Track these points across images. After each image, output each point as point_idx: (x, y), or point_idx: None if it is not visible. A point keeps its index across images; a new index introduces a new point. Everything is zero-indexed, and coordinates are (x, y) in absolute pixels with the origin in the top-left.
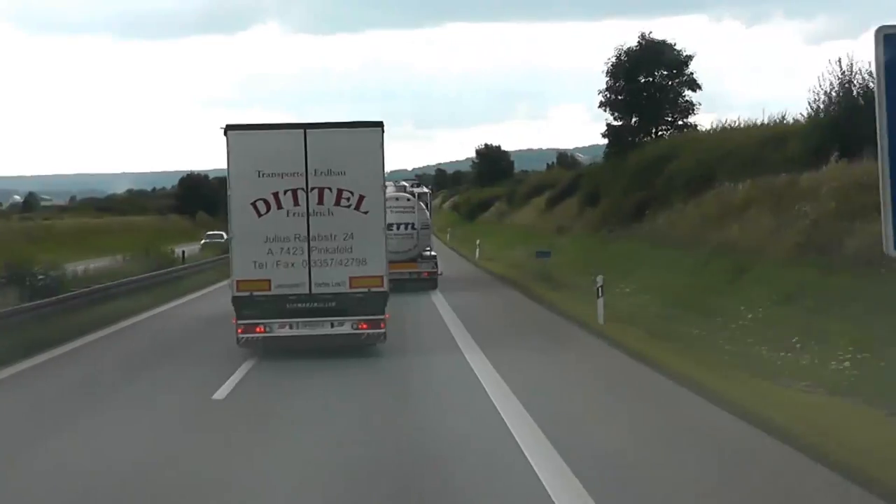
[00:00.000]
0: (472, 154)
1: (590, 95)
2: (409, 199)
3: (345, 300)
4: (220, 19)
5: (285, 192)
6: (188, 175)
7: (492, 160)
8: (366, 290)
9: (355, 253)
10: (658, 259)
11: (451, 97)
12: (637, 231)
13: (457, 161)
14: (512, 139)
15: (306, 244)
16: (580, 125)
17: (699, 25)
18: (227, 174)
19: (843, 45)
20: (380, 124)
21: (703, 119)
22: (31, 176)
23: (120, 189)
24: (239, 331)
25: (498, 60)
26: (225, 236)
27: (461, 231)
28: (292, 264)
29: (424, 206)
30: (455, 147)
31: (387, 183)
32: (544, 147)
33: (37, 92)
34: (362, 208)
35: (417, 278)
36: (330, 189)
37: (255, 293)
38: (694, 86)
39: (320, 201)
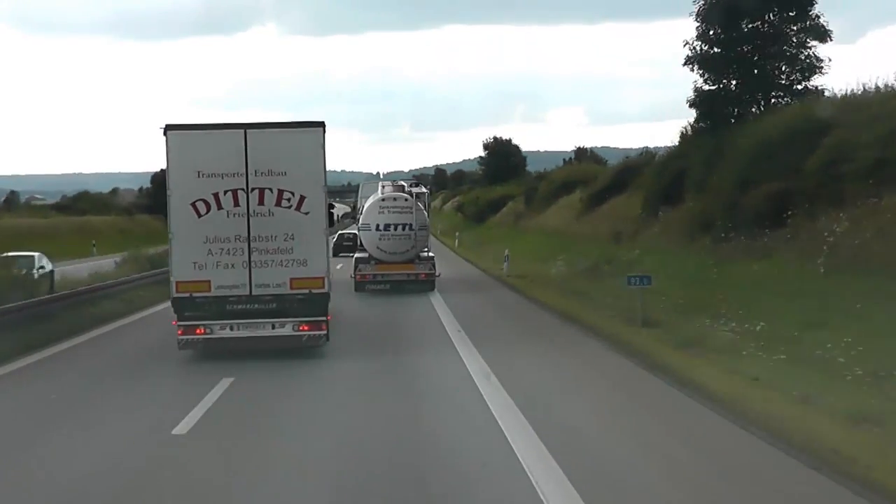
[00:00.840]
0: (470, 156)
1: (589, 98)
2: (406, 200)
3: (285, 301)
4: (217, 21)
5: (225, 192)
6: (163, 171)
7: (502, 155)
8: (307, 291)
9: (296, 254)
10: (850, 294)
11: (448, 99)
12: (775, 242)
13: (454, 163)
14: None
15: (247, 245)
16: (579, 128)
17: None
18: (166, 174)
19: None
20: (321, 124)
21: (835, 81)
22: (27, 175)
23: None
24: (179, 332)
25: (496, 63)
26: None
27: (471, 236)
28: (232, 265)
29: (423, 207)
30: (453, 150)
31: (384, 183)
32: (542, 150)
33: (34, 92)
34: (303, 209)
35: (415, 280)
36: (270, 190)
37: (195, 294)
38: (822, 34)
39: (261, 202)
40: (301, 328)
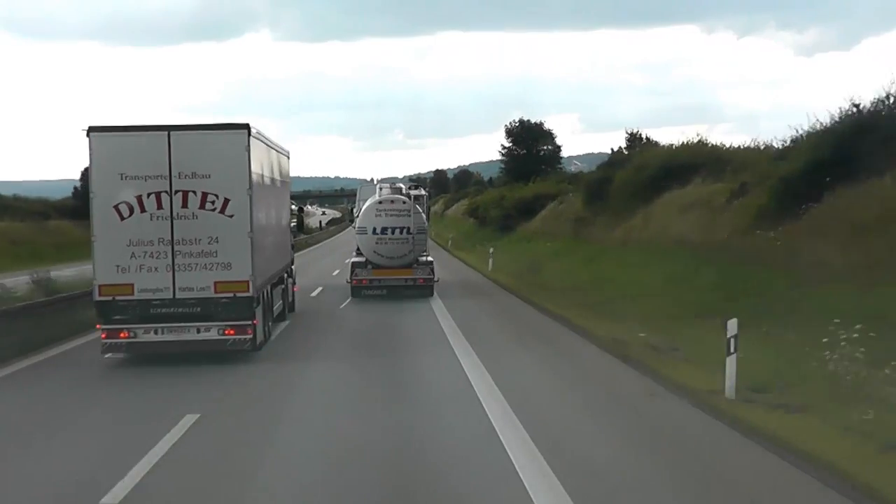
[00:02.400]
0: (465, 163)
1: (583, 104)
2: (404, 202)
3: (210, 305)
4: (211, 26)
5: (148, 195)
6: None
7: (530, 138)
8: (231, 294)
9: (220, 257)
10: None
11: (442, 106)
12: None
13: (448, 170)
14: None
15: (170, 248)
16: (574, 135)
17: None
18: (89, 177)
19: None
20: (245, 126)
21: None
22: (15, 181)
23: None
24: (103, 336)
25: (491, 69)
26: None
27: (506, 252)
28: (156, 268)
29: (421, 210)
30: (446, 157)
31: (381, 185)
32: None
33: (20, 96)
34: (227, 212)
35: (413, 285)
36: (194, 192)
37: (118, 298)
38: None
39: (184, 205)
40: (226, 332)
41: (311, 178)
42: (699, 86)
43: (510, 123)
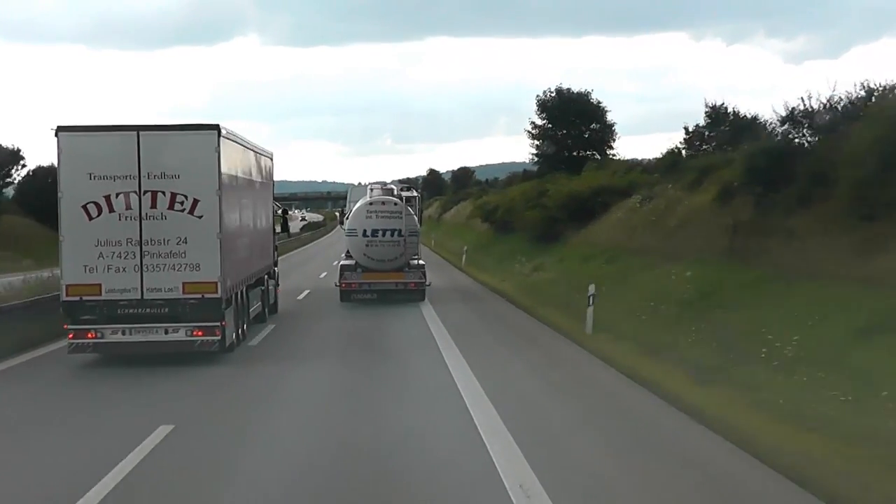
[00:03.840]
0: (454, 167)
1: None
2: (395, 204)
3: (178, 306)
4: (199, 30)
5: (117, 195)
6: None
7: (572, 113)
8: (199, 295)
9: (189, 258)
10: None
11: (432, 112)
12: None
13: (445, 174)
14: (494, 154)
15: (138, 248)
16: None
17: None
18: (57, 176)
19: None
20: (215, 127)
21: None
22: None
23: None
24: (70, 336)
25: (479, 75)
26: None
27: (606, 286)
28: (124, 269)
29: (413, 212)
30: (435, 162)
31: (372, 186)
32: (526, 160)
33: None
34: (196, 213)
35: (404, 289)
36: (163, 193)
37: (85, 298)
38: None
39: (153, 205)
40: (195, 333)
41: (299, 182)
42: (688, 92)
43: (545, 93)
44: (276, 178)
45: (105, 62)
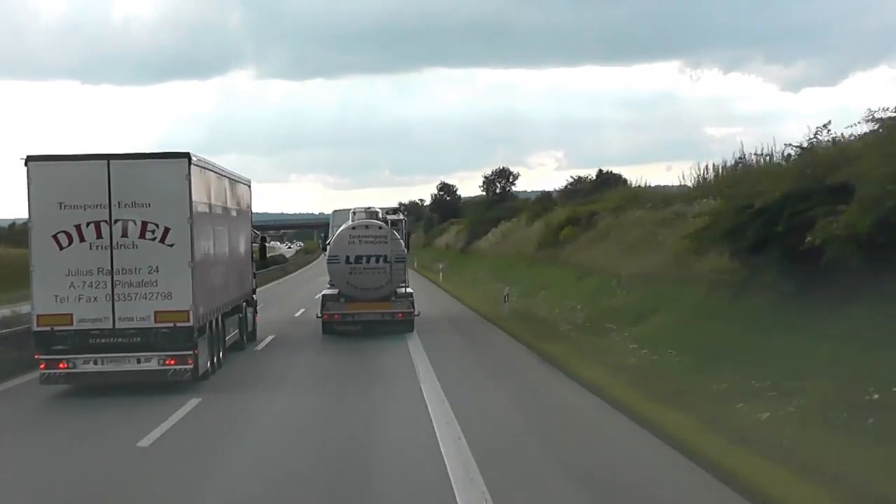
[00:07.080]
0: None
1: (569, 141)
2: (380, 228)
3: (150, 335)
4: (194, 64)
5: (88, 224)
6: None
7: None
8: (171, 324)
9: (160, 287)
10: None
11: (428, 143)
12: None
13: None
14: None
15: (109, 278)
16: (559, 172)
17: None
18: (28, 206)
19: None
20: (186, 155)
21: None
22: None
23: None
24: (41, 367)
25: (476, 106)
26: None
27: None
28: (95, 298)
29: (399, 236)
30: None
31: (356, 209)
32: (528, 189)
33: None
34: (168, 241)
35: (391, 320)
36: (134, 221)
37: (56, 328)
38: None
39: (124, 234)
40: (167, 362)
41: (297, 215)
42: (685, 121)
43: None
44: (273, 210)
45: (100, 97)
